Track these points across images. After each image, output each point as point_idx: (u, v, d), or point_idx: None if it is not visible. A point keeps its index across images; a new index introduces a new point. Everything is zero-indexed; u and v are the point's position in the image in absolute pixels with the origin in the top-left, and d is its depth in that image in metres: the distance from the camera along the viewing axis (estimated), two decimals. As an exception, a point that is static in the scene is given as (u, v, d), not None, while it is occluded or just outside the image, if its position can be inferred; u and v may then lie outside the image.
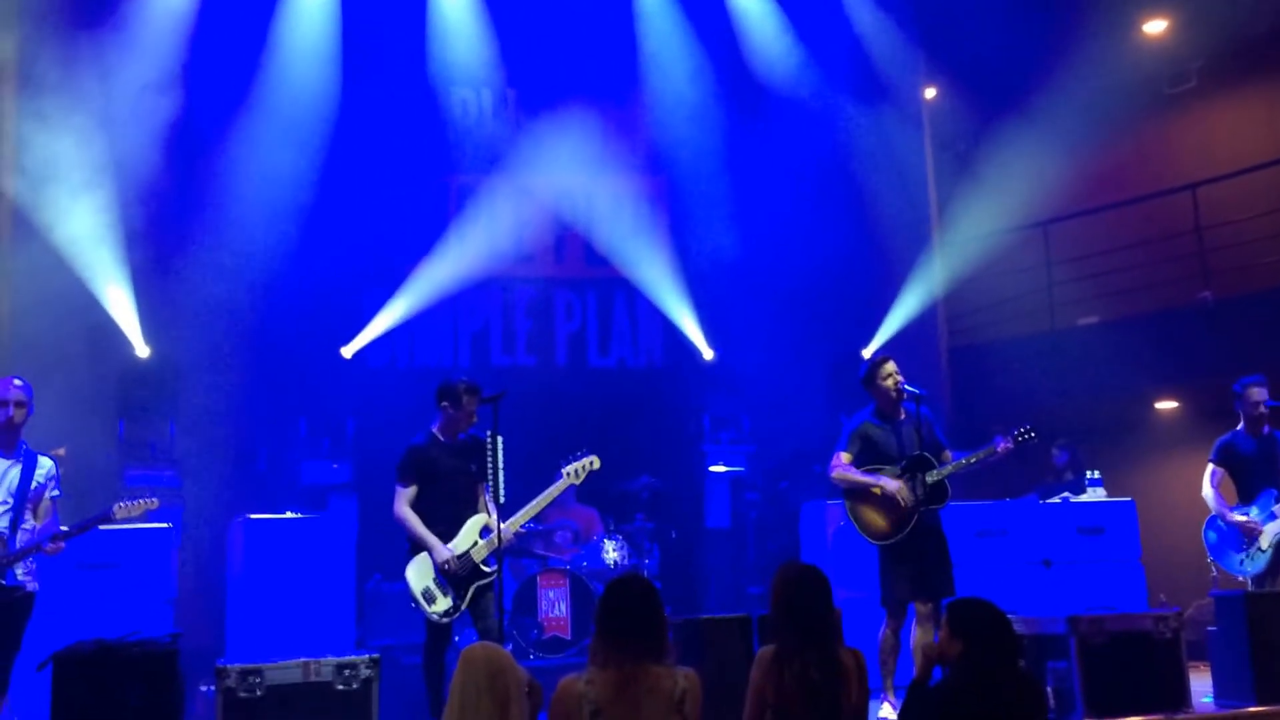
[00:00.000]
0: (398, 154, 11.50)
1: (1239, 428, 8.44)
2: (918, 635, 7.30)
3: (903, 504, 7.40)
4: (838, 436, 7.80)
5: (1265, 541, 8.14)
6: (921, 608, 7.38)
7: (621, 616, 4.50)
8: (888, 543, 7.47)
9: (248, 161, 10.70)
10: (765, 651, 4.93)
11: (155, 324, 10.38)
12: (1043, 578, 9.31)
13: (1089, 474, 9.87)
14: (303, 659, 6.06)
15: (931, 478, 7.45)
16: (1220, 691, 7.36)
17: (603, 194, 12.05)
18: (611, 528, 10.25)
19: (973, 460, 7.53)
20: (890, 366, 7.67)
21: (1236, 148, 11.79)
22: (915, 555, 7.43)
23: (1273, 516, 8.15)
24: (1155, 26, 12.28)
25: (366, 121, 11.28)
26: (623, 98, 11.97)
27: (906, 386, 7.57)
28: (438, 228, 11.50)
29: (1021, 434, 7.53)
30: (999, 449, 7.51)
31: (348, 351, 11.14)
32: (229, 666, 5.96)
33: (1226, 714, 7.07)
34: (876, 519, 7.51)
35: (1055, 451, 10.93)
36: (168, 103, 10.36)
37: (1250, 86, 12.12)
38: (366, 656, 6.14)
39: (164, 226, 10.51)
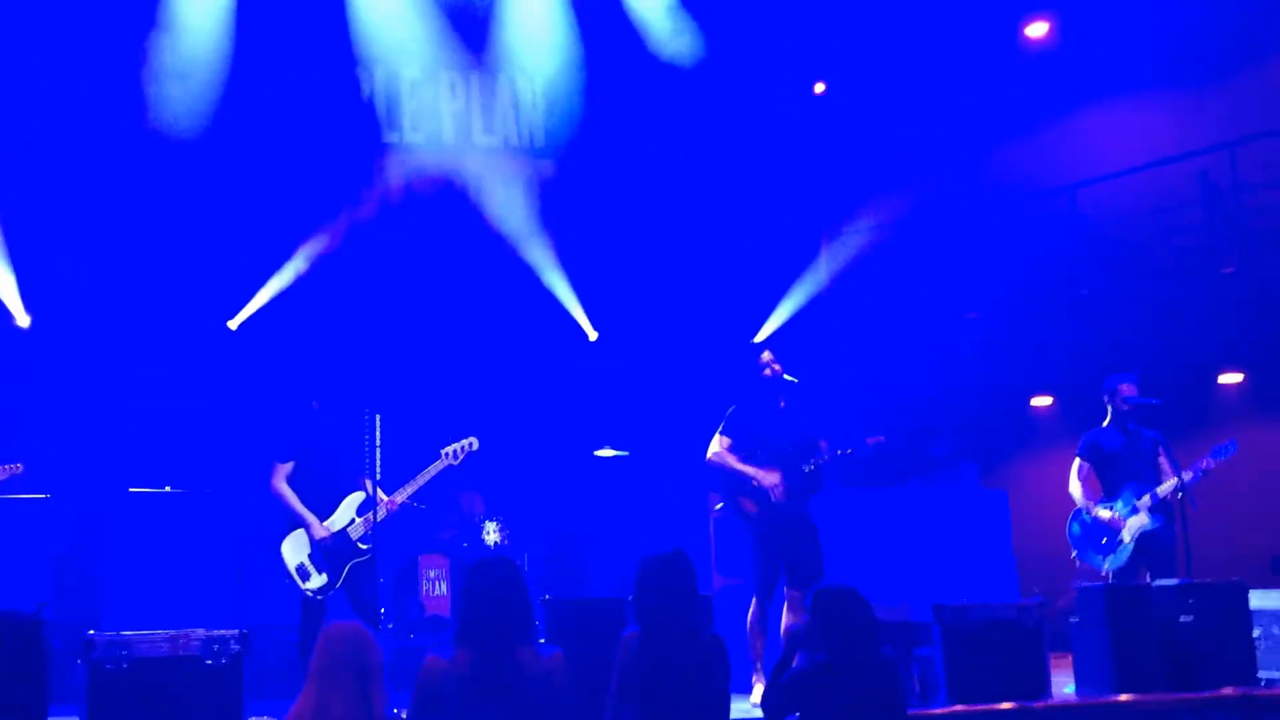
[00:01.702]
0: (290, 128, 11.38)
1: (1106, 424, 8.65)
2: (787, 620, 7.43)
3: (773, 499, 7.54)
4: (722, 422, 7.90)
5: (1127, 535, 8.38)
6: (793, 593, 7.51)
7: (484, 598, 4.54)
8: (760, 525, 7.59)
9: (134, 127, 10.52)
10: (630, 635, 5.00)
11: (37, 290, 10.19)
12: (916, 566, 9.47)
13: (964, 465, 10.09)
14: (170, 631, 6.02)
15: (807, 468, 7.58)
16: (1082, 681, 7.52)
17: (493, 176, 12.01)
18: (494, 509, 10.30)
19: (842, 453, 7.67)
20: (767, 355, 7.79)
21: (1115, 150, 12.06)
22: (788, 542, 7.56)
23: (1135, 511, 8.36)
24: (1037, 29, 12.50)
25: (261, 92, 11.15)
26: (513, 78, 11.96)
27: (784, 375, 7.70)
28: (329, 204, 11.40)
29: (886, 437, 7.71)
30: (864, 444, 7.67)
31: (233, 324, 11.03)
32: (96, 638, 5.90)
33: (1086, 703, 7.26)
34: (752, 505, 7.63)
35: (934, 442, 11.13)
36: (50, 56, 10.17)
37: (1129, 92, 12.39)
38: (235, 631, 6.12)
39: (46, 193, 10.31)
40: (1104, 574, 8.40)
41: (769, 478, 7.54)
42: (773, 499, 7.54)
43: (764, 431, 7.70)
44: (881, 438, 7.65)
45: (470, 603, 4.57)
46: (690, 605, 5.03)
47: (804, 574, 7.47)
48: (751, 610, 7.59)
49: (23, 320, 10.07)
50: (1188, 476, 8.19)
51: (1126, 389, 8.54)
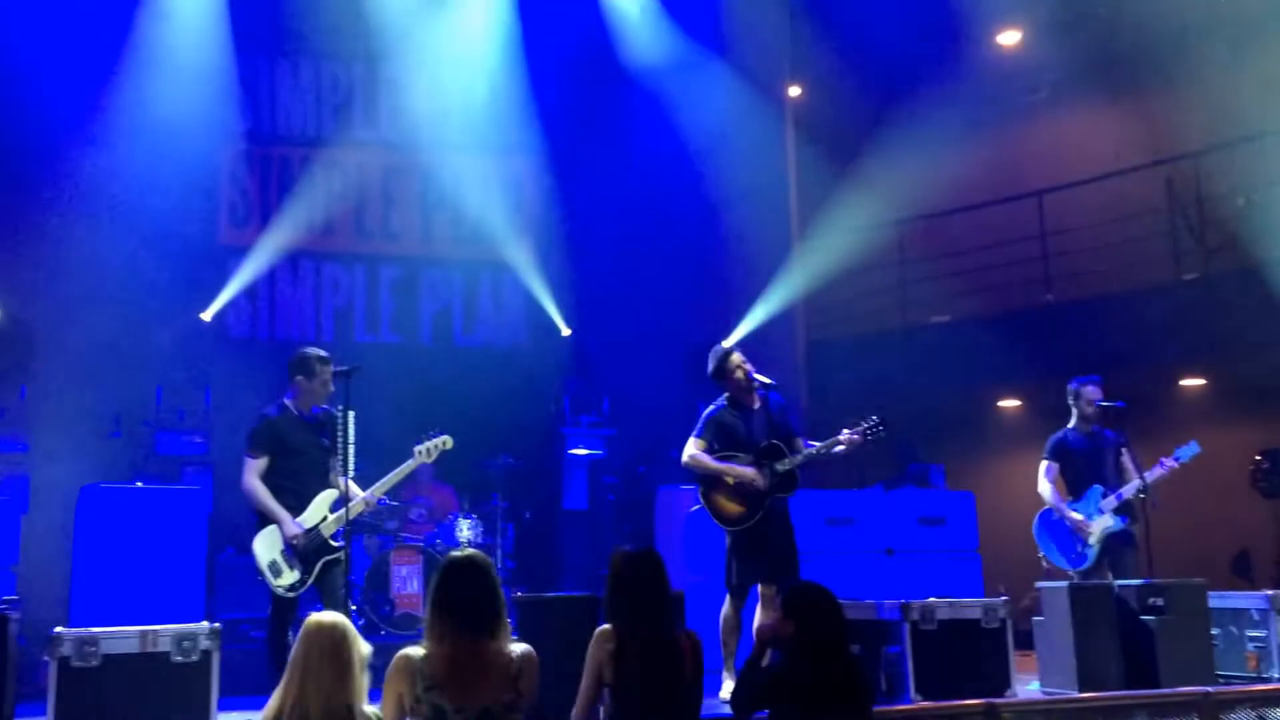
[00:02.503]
0: (266, 123, 11.38)
1: (1071, 425, 8.73)
2: (760, 618, 7.47)
3: (755, 488, 7.54)
4: (695, 423, 7.91)
5: (1093, 537, 8.47)
6: (766, 590, 7.51)
7: (456, 594, 4.57)
8: (738, 529, 7.63)
9: (106, 121, 10.49)
10: (603, 631, 5.02)
11: (8, 285, 10.15)
12: (886, 566, 9.57)
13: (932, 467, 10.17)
14: (140, 627, 5.98)
15: (781, 467, 7.60)
16: (1046, 679, 7.59)
17: (470, 175, 12.04)
18: (466, 507, 10.32)
19: (821, 451, 7.68)
20: (737, 357, 7.76)
21: (1081, 158, 12.17)
22: (762, 541, 7.58)
23: (1100, 512, 8.46)
24: (1010, 38, 12.59)
25: (237, 84, 11.16)
26: (493, 80, 11.97)
27: (756, 376, 7.73)
28: (305, 199, 11.40)
29: (870, 429, 7.73)
30: (844, 440, 7.70)
31: (207, 315, 10.99)
32: (64, 634, 5.85)
33: (1048, 700, 7.31)
34: (729, 505, 7.59)
35: (904, 447, 11.19)
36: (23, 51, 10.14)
37: (1096, 100, 12.52)
38: (207, 627, 6.08)
39: (18, 186, 10.27)
40: (1070, 574, 8.49)
41: (744, 471, 7.56)
42: (755, 489, 7.55)
43: (739, 433, 7.70)
44: (857, 437, 7.68)
45: (441, 598, 4.60)
46: (661, 602, 5.06)
47: (778, 572, 7.49)
48: (725, 608, 7.62)
49: (-4, 316, 10.04)
50: (1151, 477, 8.29)
51: (1091, 391, 8.63)
